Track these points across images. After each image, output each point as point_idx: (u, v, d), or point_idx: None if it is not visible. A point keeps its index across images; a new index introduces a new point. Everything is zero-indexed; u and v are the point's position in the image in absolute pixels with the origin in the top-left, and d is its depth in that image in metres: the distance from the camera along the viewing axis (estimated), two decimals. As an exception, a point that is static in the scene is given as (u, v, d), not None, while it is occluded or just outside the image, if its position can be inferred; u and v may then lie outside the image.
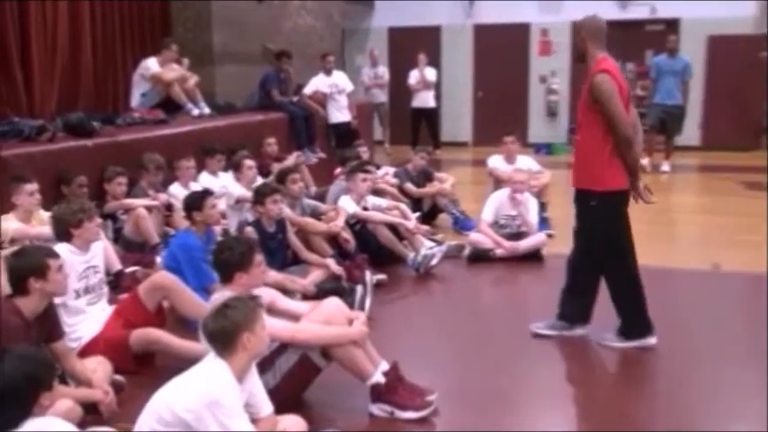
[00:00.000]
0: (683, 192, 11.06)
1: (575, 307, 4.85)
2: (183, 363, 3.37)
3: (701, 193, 10.85)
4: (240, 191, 6.93)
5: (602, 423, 3.85)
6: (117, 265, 5.46)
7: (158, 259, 5.87)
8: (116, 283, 5.32)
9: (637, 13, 14.16)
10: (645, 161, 11.79)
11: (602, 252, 4.62)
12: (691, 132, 12.82)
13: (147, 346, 4.35)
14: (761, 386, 4.12)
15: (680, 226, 8.84)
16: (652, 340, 4.68)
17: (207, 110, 8.93)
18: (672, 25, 13.82)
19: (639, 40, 14.32)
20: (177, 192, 6.77)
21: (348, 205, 6.45)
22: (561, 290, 4.91)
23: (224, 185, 7.04)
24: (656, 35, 13.89)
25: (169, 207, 6.65)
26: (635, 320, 4.69)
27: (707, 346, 4.82)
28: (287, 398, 3.68)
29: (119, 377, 4.08)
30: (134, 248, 6.16)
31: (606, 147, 4.43)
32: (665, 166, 11.68)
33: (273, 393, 3.42)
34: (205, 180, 7.24)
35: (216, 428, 2.85)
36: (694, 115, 12.99)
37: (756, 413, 3.86)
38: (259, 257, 3.91)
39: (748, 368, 4.43)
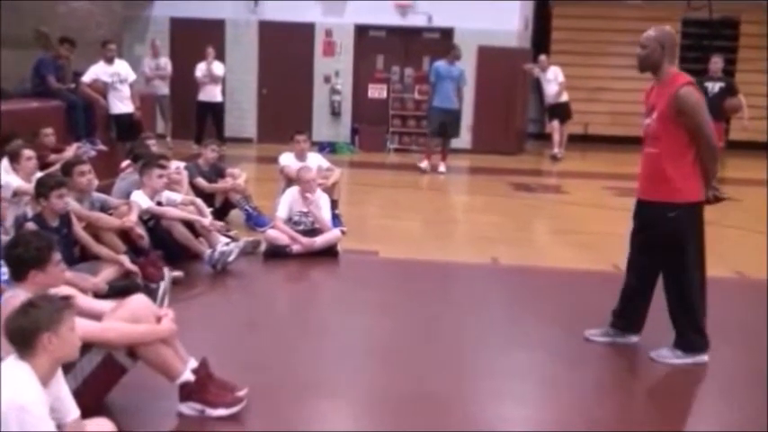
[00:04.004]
0: (459, 192, 11.81)
1: (632, 316, 4.88)
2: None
3: (475, 194, 11.61)
4: (18, 182, 6.43)
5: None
6: None
7: None
8: None
9: (415, 20, 14.79)
10: (424, 163, 12.45)
11: (679, 262, 4.59)
12: (462, 136, 13.61)
13: None
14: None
15: (459, 224, 9.41)
16: (705, 357, 4.69)
17: (-26, 94, 8.20)
18: (446, 34, 14.62)
19: (418, 46, 15.04)
20: (-57, 183, 6.18)
21: (141, 200, 6.20)
22: (621, 299, 4.90)
23: (-3, 176, 6.50)
24: (433, 43, 14.67)
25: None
26: (692, 335, 4.68)
27: (488, 333, 5.23)
28: (90, 401, 3.50)
29: None
30: None
31: (687, 158, 4.49)
32: (442, 168, 12.33)
33: (75, 397, 3.25)
34: (-26, 171, 6.63)
35: None
36: (466, 119, 13.80)
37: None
38: (57, 256, 3.67)
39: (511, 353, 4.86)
